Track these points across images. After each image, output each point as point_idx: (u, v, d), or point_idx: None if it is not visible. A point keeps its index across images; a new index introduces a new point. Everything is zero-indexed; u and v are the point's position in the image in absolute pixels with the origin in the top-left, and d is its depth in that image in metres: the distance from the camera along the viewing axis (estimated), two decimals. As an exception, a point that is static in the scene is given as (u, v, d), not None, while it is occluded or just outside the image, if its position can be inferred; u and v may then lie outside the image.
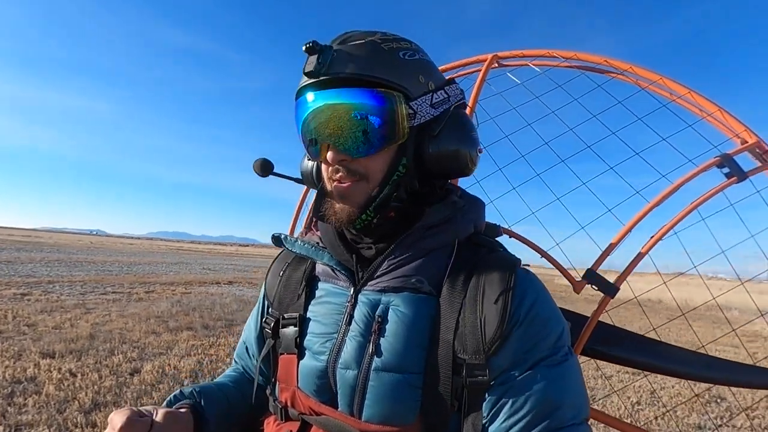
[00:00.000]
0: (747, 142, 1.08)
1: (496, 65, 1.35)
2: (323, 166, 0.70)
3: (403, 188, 0.68)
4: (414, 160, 0.68)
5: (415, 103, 0.66)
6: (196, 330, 6.11)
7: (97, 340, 5.15)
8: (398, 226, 0.69)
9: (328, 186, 0.69)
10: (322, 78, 0.63)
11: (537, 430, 0.58)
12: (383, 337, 0.64)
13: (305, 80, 0.65)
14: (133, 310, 7.28)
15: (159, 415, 0.63)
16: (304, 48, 0.63)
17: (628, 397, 4.48)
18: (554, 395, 0.59)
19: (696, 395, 4.44)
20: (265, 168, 0.74)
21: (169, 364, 4.42)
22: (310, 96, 0.65)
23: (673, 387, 4.88)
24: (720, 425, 3.90)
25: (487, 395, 0.61)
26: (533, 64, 1.26)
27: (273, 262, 0.85)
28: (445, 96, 0.70)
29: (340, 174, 0.66)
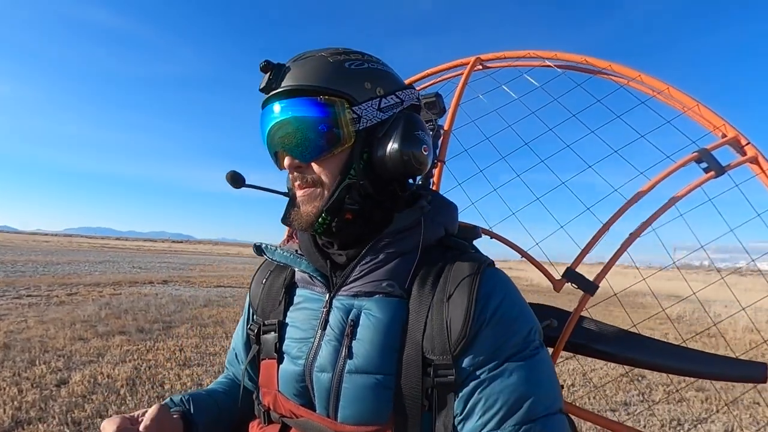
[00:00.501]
0: (726, 135, 1.10)
1: (480, 67, 1.35)
2: (289, 175, 0.74)
3: (356, 191, 0.70)
4: (366, 163, 0.71)
5: (359, 108, 0.69)
6: (130, 334, 5.68)
7: (13, 350, 4.62)
8: (366, 232, 0.71)
9: (295, 193, 0.73)
10: (272, 93, 0.69)
11: (511, 422, 0.59)
12: (355, 340, 0.66)
13: (262, 97, 0.72)
14: (54, 314, 6.61)
15: (149, 415, 0.66)
16: (259, 67, 0.70)
17: (564, 380, 4.82)
18: (526, 389, 0.61)
19: (654, 380, 4.86)
20: (236, 180, 0.76)
21: (102, 373, 4.07)
22: (265, 111, 0.71)
23: (601, 368, 5.31)
24: (642, 401, 4.31)
25: (458, 394, 0.62)
26: (516, 65, 1.28)
27: (257, 270, 0.87)
28: (398, 100, 0.73)
29: (298, 182, 0.71)
